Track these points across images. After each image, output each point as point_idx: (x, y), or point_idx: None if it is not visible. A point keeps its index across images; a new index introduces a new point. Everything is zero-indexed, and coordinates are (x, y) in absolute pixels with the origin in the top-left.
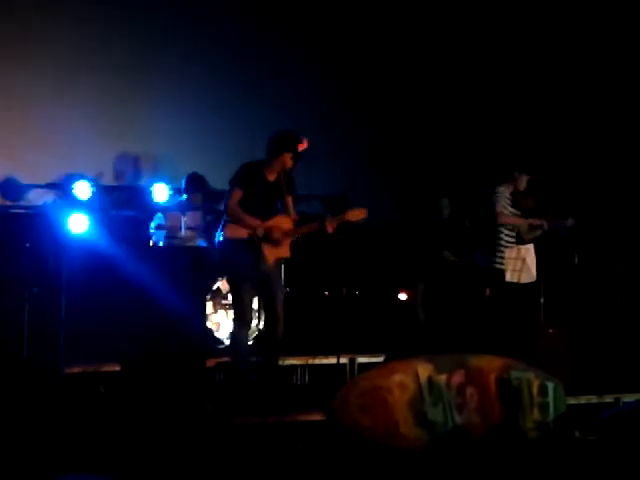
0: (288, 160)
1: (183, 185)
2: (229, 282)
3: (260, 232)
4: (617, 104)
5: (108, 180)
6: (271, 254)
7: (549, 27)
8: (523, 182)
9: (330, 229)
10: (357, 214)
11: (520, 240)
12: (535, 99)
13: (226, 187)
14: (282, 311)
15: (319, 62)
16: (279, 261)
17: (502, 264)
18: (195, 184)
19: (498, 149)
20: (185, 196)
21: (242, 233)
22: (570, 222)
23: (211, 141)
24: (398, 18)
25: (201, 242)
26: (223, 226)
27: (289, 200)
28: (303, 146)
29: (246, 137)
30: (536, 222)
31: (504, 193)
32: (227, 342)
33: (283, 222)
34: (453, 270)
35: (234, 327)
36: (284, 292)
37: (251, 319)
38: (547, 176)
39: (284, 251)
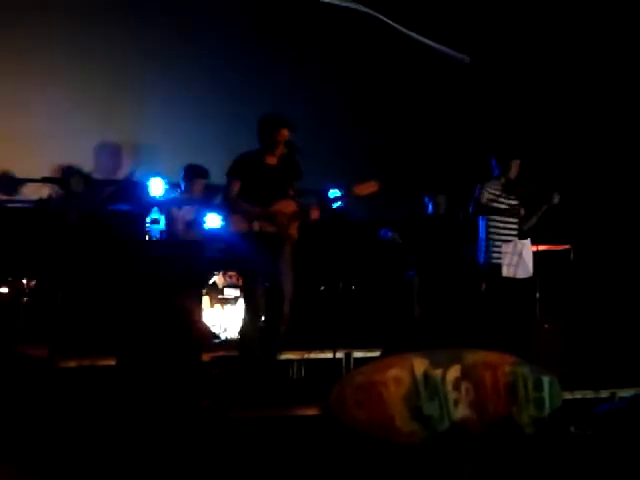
0: (278, 141)
1: (182, 175)
2: (242, 276)
3: (256, 227)
4: (616, 102)
5: (104, 174)
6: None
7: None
8: (514, 169)
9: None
10: (366, 188)
11: (521, 232)
12: (527, 88)
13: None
14: (289, 310)
15: (318, 57)
16: (289, 247)
17: (498, 259)
18: (195, 171)
19: (492, 144)
20: (183, 187)
21: (247, 225)
22: (556, 199)
23: (210, 137)
24: (395, 15)
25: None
26: (227, 219)
27: (294, 183)
28: (285, 133)
29: (245, 133)
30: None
31: (488, 187)
32: (222, 337)
33: (286, 206)
34: (393, 252)
35: (244, 321)
36: (293, 287)
37: (262, 314)
38: (543, 168)
39: (292, 233)
